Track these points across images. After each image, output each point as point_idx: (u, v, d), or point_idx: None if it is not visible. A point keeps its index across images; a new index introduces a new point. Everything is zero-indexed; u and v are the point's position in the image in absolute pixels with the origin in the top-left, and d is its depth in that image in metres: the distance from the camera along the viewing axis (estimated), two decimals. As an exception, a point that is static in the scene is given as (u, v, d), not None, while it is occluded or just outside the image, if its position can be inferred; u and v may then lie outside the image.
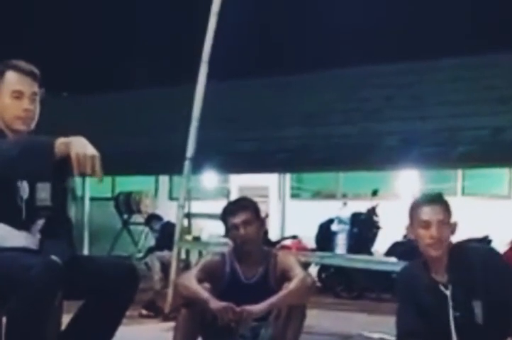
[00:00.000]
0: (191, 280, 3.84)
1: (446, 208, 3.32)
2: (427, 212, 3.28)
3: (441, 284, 3.30)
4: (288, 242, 10.75)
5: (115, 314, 3.08)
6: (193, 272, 3.94)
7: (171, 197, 14.51)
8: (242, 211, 3.96)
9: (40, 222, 3.01)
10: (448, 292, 3.28)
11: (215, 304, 3.67)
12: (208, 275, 3.91)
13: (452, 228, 3.32)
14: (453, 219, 3.33)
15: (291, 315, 3.80)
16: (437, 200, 3.35)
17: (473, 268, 3.25)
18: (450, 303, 3.27)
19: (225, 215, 4.01)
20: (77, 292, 2.81)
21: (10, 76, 2.97)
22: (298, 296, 3.78)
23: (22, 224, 2.94)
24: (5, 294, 2.70)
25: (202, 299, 3.72)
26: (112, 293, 2.93)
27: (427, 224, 3.26)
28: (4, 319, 2.84)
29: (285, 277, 3.86)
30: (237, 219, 3.92)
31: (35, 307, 2.65)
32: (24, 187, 2.96)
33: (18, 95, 2.96)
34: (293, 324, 3.81)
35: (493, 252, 3.47)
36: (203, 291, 3.76)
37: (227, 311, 3.64)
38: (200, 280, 3.84)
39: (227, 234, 4.07)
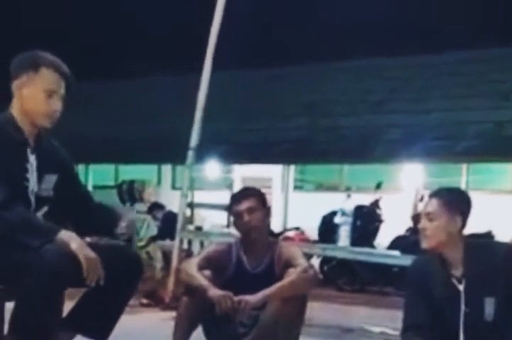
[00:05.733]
0: (192, 267, 3.83)
1: (442, 203, 3.25)
2: (425, 205, 3.32)
3: (455, 278, 3.24)
4: (290, 234, 10.74)
5: (118, 303, 3.08)
6: (196, 259, 3.92)
7: (174, 187, 14.51)
8: (246, 199, 3.95)
9: (44, 208, 3.06)
10: (461, 287, 3.22)
11: (213, 292, 3.65)
12: (212, 263, 3.89)
13: (445, 224, 3.23)
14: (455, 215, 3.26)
15: (290, 305, 3.76)
16: (436, 194, 3.33)
17: (493, 264, 3.18)
18: (463, 298, 3.20)
19: (231, 204, 4.01)
20: (80, 279, 2.79)
21: (46, 73, 2.96)
22: (297, 288, 3.74)
23: None
24: (17, 278, 2.72)
25: (201, 287, 3.70)
26: (115, 281, 2.92)
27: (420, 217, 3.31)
28: (8, 304, 2.85)
29: (289, 266, 3.84)
30: (241, 207, 3.91)
31: (46, 292, 2.66)
32: (33, 178, 3.00)
33: (50, 94, 2.96)
34: (291, 313, 3.76)
35: None
36: (202, 278, 3.74)
37: (225, 300, 3.62)
38: (201, 268, 3.82)
39: (234, 224, 4.07)
